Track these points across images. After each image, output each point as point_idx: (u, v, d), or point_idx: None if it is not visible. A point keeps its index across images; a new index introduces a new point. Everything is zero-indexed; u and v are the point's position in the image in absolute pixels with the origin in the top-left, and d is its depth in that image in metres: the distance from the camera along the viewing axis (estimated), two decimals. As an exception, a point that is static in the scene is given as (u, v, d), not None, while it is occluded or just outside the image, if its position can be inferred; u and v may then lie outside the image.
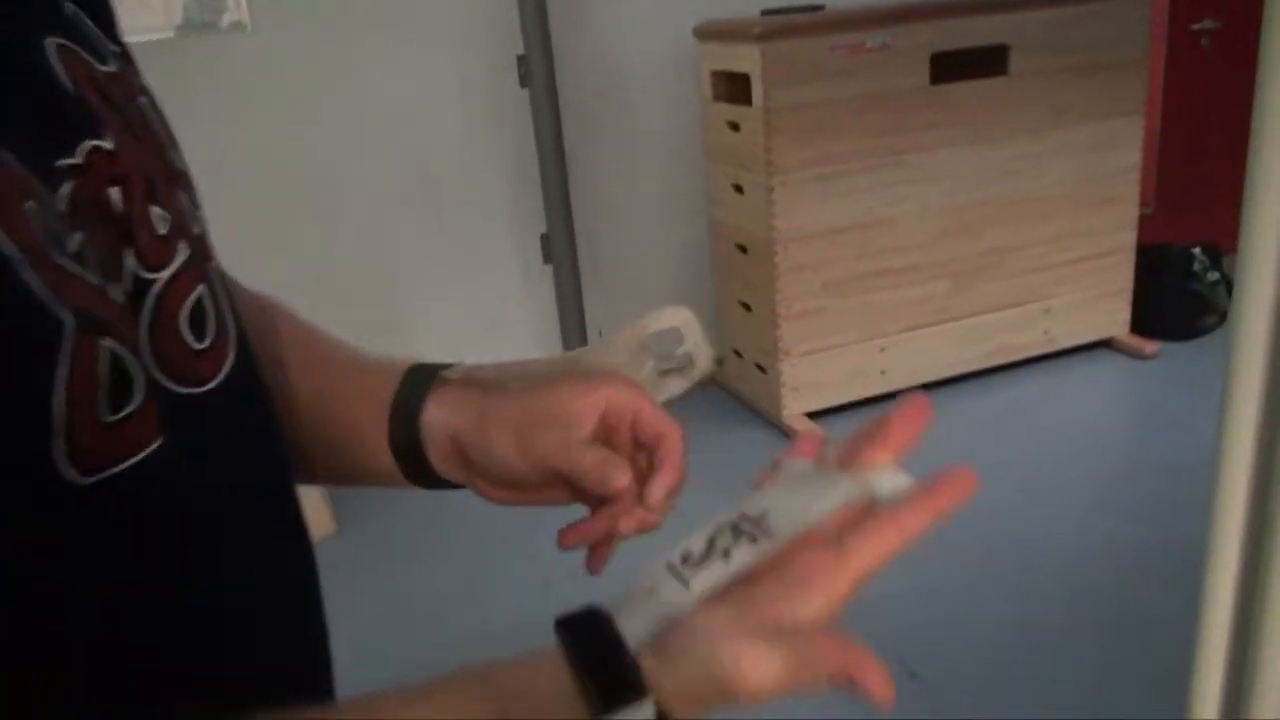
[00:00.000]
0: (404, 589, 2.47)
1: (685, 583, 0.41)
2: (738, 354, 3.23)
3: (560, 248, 3.11)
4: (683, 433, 0.56)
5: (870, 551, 0.41)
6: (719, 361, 0.64)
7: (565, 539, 0.57)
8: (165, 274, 0.42)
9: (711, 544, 0.42)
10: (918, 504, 0.42)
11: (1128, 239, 3.24)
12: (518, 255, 3.16)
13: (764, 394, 3.10)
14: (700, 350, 0.65)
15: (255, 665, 0.45)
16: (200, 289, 0.44)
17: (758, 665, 0.37)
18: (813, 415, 3.03)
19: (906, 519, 0.41)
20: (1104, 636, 2.07)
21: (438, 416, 0.56)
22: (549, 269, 3.17)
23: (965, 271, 3.08)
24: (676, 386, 0.64)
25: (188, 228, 0.45)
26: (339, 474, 0.61)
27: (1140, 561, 2.28)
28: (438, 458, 0.57)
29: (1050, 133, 3.03)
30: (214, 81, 2.70)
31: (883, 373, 3.08)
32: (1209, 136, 3.62)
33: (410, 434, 0.57)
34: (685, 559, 0.42)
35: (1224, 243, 3.40)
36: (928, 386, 3.14)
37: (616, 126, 3.15)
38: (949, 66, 2.85)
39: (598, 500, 0.55)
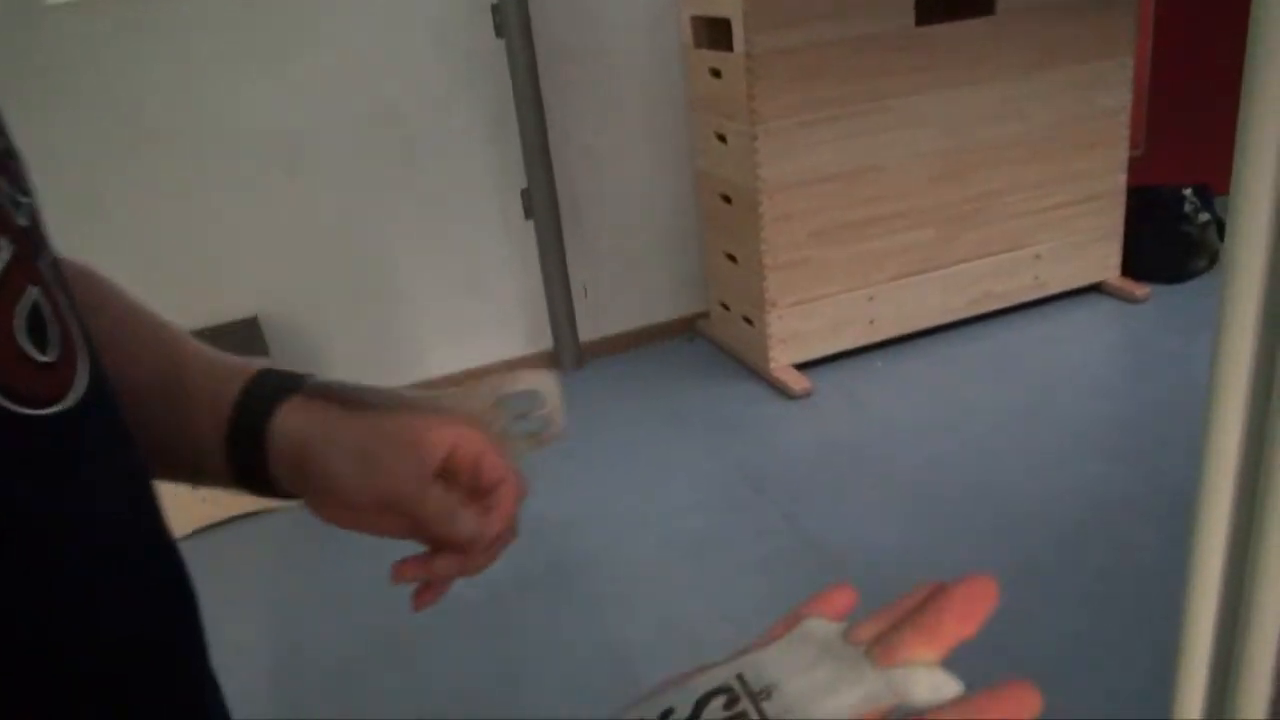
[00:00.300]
0: (384, 556, 2.45)
1: None
2: (724, 306, 3.20)
3: (541, 203, 3.05)
4: (523, 489, 0.54)
5: None
6: (566, 434, 0.63)
7: (401, 572, 0.54)
8: None
9: (699, 710, 0.35)
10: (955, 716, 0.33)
11: (1117, 182, 3.20)
12: (498, 212, 3.10)
13: (751, 346, 3.07)
14: (556, 416, 0.63)
15: None
16: (33, 291, 0.37)
17: None
18: (801, 366, 3.00)
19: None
20: (1093, 580, 2.07)
21: (289, 423, 0.52)
22: (530, 225, 3.12)
23: (953, 218, 3.04)
24: (525, 448, 0.62)
25: (7, 217, 0.37)
26: (158, 471, 0.53)
27: (1130, 504, 2.27)
28: (278, 465, 0.52)
29: (1038, 74, 2.97)
30: (175, 34, 2.62)
31: (871, 322, 3.05)
32: (1200, 76, 3.56)
33: (253, 437, 0.52)
34: (665, 717, 0.35)
35: (1216, 184, 3.36)
36: (917, 335, 3.11)
37: (595, 77, 3.08)
38: (934, 7, 2.79)
39: (432, 539, 0.53)
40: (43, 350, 0.36)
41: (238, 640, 2.13)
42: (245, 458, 0.52)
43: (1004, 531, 2.24)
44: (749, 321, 3.04)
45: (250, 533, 2.58)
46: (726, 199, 2.97)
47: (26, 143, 0.43)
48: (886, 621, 0.37)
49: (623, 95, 3.14)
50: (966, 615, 0.36)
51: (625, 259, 3.31)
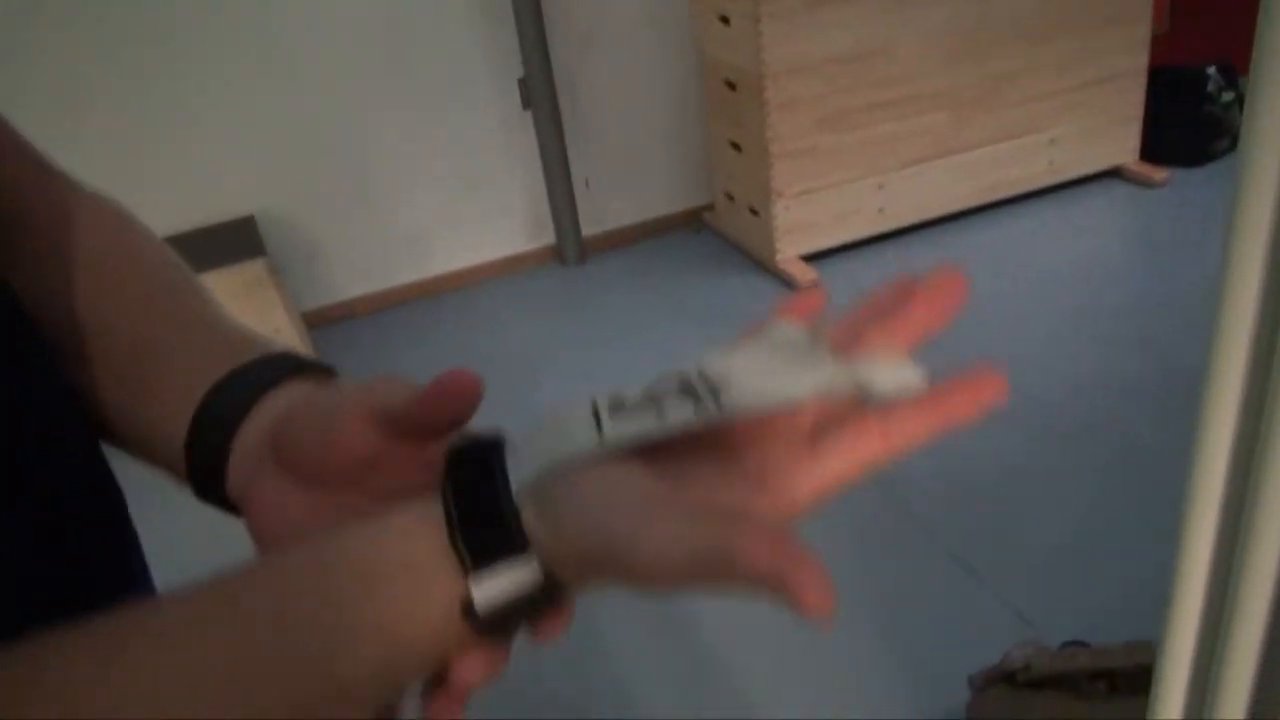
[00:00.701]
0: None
1: (599, 430, 0.33)
2: (729, 197, 3.12)
3: (539, 92, 2.95)
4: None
5: (845, 461, 0.31)
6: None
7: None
8: None
9: (651, 394, 0.34)
10: (920, 409, 0.31)
11: (1139, 61, 3.06)
12: (495, 103, 3.01)
13: (757, 238, 3.01)
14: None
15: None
16: None
17: (658, 543, 0.28)
18: (808, 258, 2.95)
19: (901, 426, 0.31)
20: (1103, 472, 2.05)
21: (285, 394, 0.42)
22: (528, 116, 3.02)
23: (966, 102, 2.93)
24: None
25: None
26: (118, 437, 0.46)
27: (1139, 393, 2.24)
28: (248, 442, 0.41)
29: (1059, -56, 2.82)
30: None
31: (880, 210, 2.98)
32: (1231, -56, 3.38)
33: (240, 408, 0.42)
34: (614, 403, 0.34)
35: (1240, 61, 3.22)
36: (927, 224, 3.04)
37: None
38: (950, -128, 2.63)
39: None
40: None
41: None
42: (207, 444, 0.42)
43: (1013, 422, 2.21)
44: (754, 212, 2.97)
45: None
46: (730, 85, 2.86)
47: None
48: (855, 320, 0.35)
49: (622, -24, 3.00)
50: (935, 306, 0.33)
51: (627, 150, 3.22)
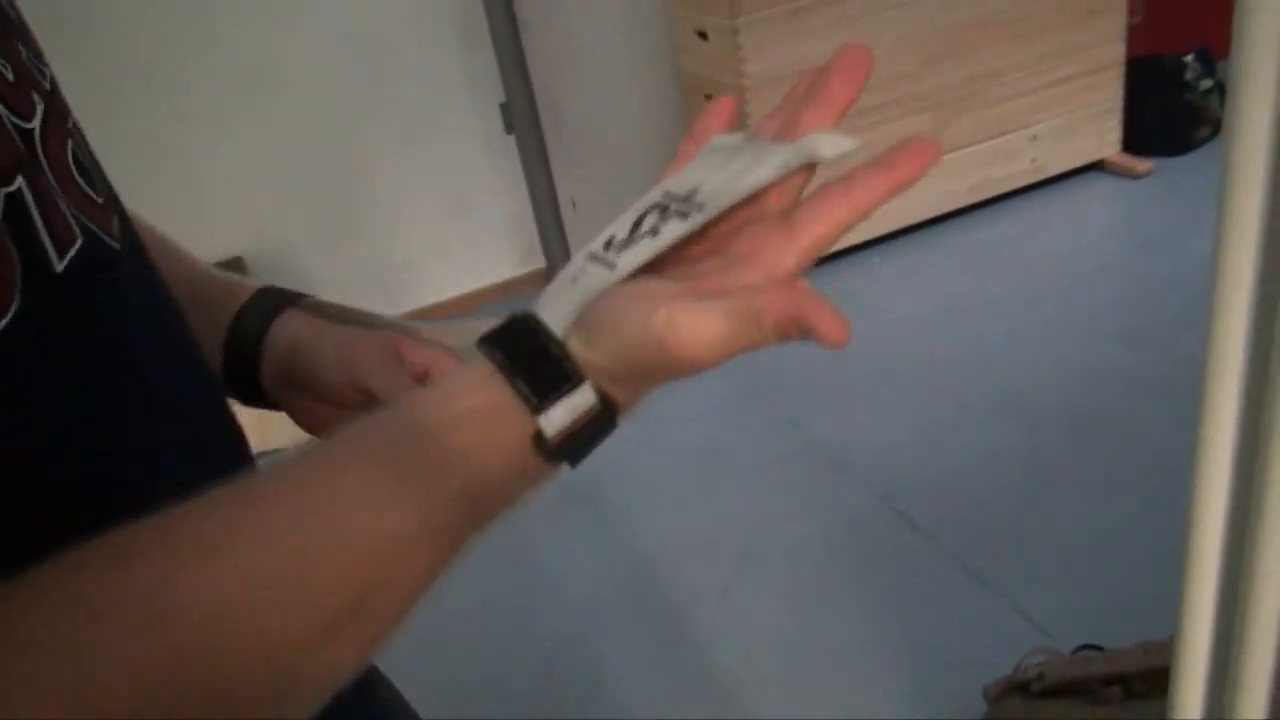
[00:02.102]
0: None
1: (610, 265, 0.37)
2: (717, 212, 3.12)
3: (521, 116, 2.96)
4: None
5: (819, 225, 0.37)
6: None
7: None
8: (35, 123, 0.37)
9: (637, 225, 0.38)
10: (873, 174, 0.36)
11: (1116, 53, 3.07)
12: (478, 129, 3.01)
13: (746, 251, 3.00)
14: None
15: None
16: (70, 144, 0.39)
17: (696, 322, 0.33)
18: (798, 268, 2.94)
19: (859, 191, 0.36)
20: (1107, 463, 2.05)
21: (284, 328, 0.55)
22: (512, 140, 3.02)
23: (947, 103, 2.93)
24: None
25: (35, 79, 0.39)
26: None
27: (1138, 385, 2.24)
28: (268, 367, 0.55)
29: (1030, -57, 2.84)
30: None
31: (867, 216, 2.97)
32: (1200, -67, 3.40)
33: (251, 342, 0.55)
34: (609, 244, 0.38)
35: (1217, 47, 3.23)
36: (914, 228, 3.04)
37: (567, -22, 2.95)
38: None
39: None
40: (95, 191, 0.40)
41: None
42: (239, 363, 0.55)
43: (1012, 422, 2.21)
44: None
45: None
46: (712, 99, 2.86)
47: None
48: (782, 115, 0.40)
49: (597, -3, 3.01)
50: (847, 81, 0.39)
51: (612, 168, 3.22)
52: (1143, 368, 2.30)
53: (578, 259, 0.38)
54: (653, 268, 0.37)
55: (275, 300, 0.56)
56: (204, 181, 2.76)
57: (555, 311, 0.36)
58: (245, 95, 2.73)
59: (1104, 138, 3.18)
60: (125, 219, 0.43)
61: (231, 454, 0.48)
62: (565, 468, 0.37)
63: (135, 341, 0.40)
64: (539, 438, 0.35)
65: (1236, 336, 0.74)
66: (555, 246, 3.16)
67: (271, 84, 2.74)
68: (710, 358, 0.34)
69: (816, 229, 0.37)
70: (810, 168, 0.38)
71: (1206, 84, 3.18)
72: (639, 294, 0.35)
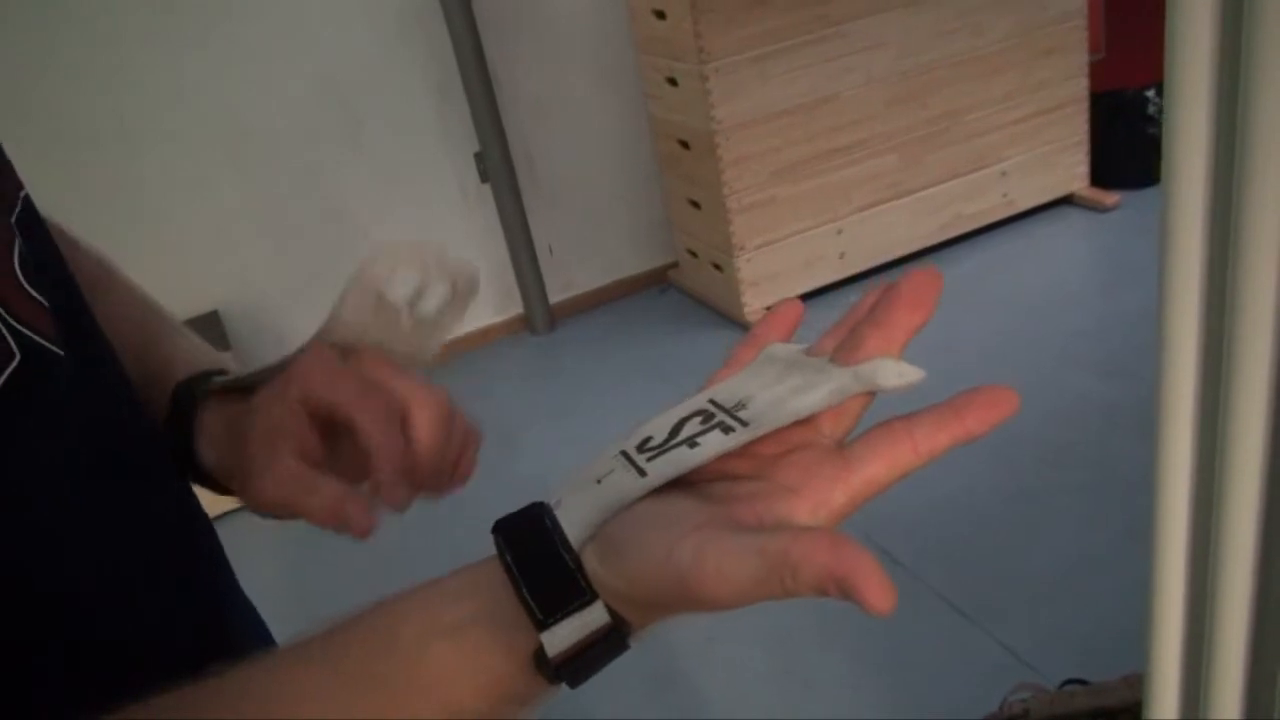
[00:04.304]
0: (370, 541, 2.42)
1: (640, 471, 0.34)
2: (692, 254, 3.14)
3: (496, 164, 2.98)
4: (440, 402, 0.48)
5: (877, 466, 0.33)
6: (475, 292, 0.54)
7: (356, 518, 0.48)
8: None
9: (676, 431, 0.35)
10: (940, 419, 0.33)
11: (1079, 88, 3.14)
12: (453, 178, 3.03)
13: (723, 292, 3.02)
14: (453, 272, 0.54)
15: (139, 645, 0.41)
16: (17, 244, 0.38)
17: (724, 560, 0.29)
18: (774, 309, 2.95)
19: (924, 435, 0.32)
20: (1086, 494, 2.05)
21: (207, 432, 0.52)
22: (488, 188, 3.04)
23: (915, 141, 2.98)
24: (451, 319, 0.53)
25: None
26: None
27: (1114, 417, 2.25)
28: (214, 468, 0.52)
29: (990, -15, 2.90)
30: (93, 17, 2.52)
31: (842, 256, 3.00)
32: (1156, -29, 3.48)
33: (185, 444, 0.52)
34: (643, 445, 0.35)
35: (1178, 81, 3.29)
36: (889, 265, 3.07)
37: (537, 28, 2.99)
38: (878, -76, 2.70)
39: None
40: (42, 288, 0.38)
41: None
42: (182, 462, 0.52)
43: (990, 456, 2.21)
44: (718, 267, 2.99)
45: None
46: (684, 144, 2.90)
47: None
48: (844, 331, 0.37)
49: (567, 44, 3.05)
50: (916, 304, 0.35)
51: (588, 214, 3.24)
52: (1119, 398, 2.31)
53: (607, 454, 0.35)
54: (686, 482, 0.34)
55: (190, 399, 0.53)
56: (178, 235, 2.76)
57: (574, 514, 0.34)
58: (219, 148, 2.74)
59: (1072, 171, 3.23)
60: (76, 309, 0.42)
61: (194, 547, 0.47)
62: (563, 688, 0.33)
63: (70, 456, 0.39)
64: (540, 655, 0.32)
65: (1187, 365, 0.75)
66: (533, 292, 3.17)
67: (245, 136, 2.75)
68: (735, 601, 0.30)
69: (872, 470, 0.33)
70: (869, 395, 0.35)
71: (1169, 117, 3.24)
72: (667, 518, 0.32)
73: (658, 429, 0.35)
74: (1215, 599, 0.75)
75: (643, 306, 3.29)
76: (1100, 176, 3.24)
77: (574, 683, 0.33)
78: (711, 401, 0.36)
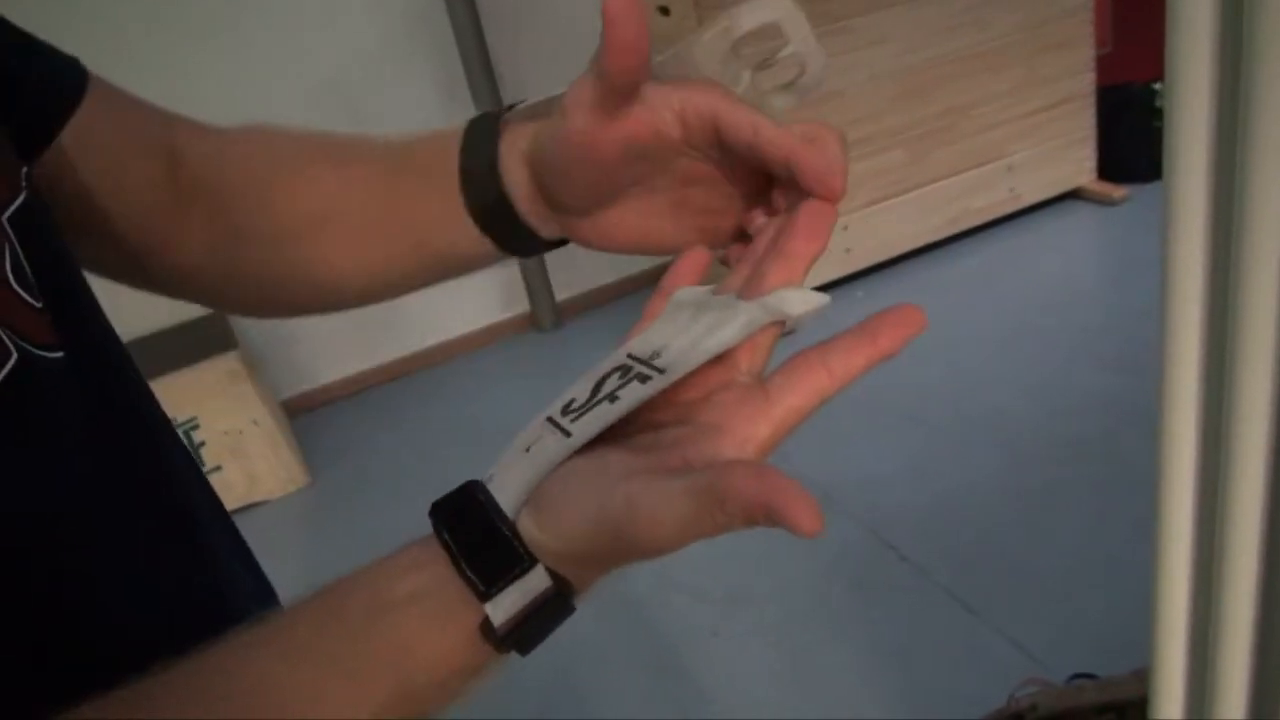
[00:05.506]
0: (380, 536, 2.43)
1: (565, 433, 0.34)
2: (699, 251, 3.14)
3: (501, 163, 2.98)
4: (834, 141, 0.37)
5: (795, 396, 0.33)
6: (825, 77, 0.48)
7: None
8: None
9: (598, 389, 0.35)
10: (853, 343, 0.34)
11: (1086, 82, 3.12)
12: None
13: (729, 289, 3.02)
14: (810, 51, 0.47)
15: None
16: (7, 249, 0.37)
17: (656, 505, 0.30)
18: (781, 304, 2.96)
19: (838, 360, 0.34)
20: (1094, 489, 2.04)
21: (510, 151, 0.45)
22: (493, 187, 3.04)
23: (921, 137, 2.97)
24: (783, 102, 0.47)
25: None
26: (414, 275, 0.55)
27: (1123, 411, 2.24)
28: (523, 203, 0.45)
29: (996, -22, 2.89)
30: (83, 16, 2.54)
31: (847, 251, 3.00)
32: (1163, -37, 3.46)
33: (489, 186, 0.46)
34: (567, 408, 0.35)
35: (1186, 74, 3.28)
36: (895, 261, 3.06)
37: (541, 26, 2.99)
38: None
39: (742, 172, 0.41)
40: (36, 294, 0.37)
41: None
42: (493, 212, 0.46)
43: (998, 451, 2.21)
44: (724, 264, 2.98)
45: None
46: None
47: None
48: (747, 267, 0.38)
49: (574, 43, 3.05)
50: (813, 234, 0.36)
51: (594, 212, 3.24)
52: (1127, 392, 2.31)
53: (534, 424, 0.36)
54: (614, 436, 0.34)
55: (487, 129, 0.46)
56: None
57: (507, 485, 0.34)
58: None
59: (1079, 166, 3.21)
60: (78, 309, 0.42)
61: (199, 546, 0.47)
62: (515, 656, 0.34)
63: (66, 458, 0.38)
64: (486, 625, 0.33)
65: (1190, 361, 0.74)
66: (539, 289, 3.18)
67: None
68: (671, 543, 0.30)
69: (792, 400, 0.33)
70: (779, 325, 0.36)
71: (1177, 110, 3.23)
72: (595, 471, 0.33)
73: (579, 391, 0.36)
74: (1220, 596, 0.75)
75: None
76: (1108, 170, 3.23)
77: (524, 650, 0.34)
78: (629, 355, 0.36)
